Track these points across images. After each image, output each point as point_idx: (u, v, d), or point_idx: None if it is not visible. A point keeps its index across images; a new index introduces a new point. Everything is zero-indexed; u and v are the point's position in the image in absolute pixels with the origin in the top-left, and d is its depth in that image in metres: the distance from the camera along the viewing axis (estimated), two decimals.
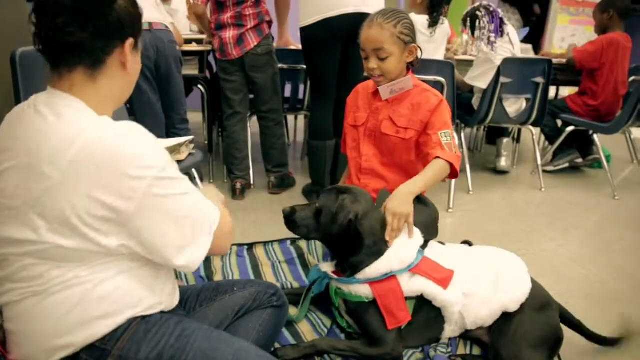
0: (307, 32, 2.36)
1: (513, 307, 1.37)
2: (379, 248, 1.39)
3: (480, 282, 1.41)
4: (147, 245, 0.86)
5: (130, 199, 0.81)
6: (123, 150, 0.81)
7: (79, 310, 0.84)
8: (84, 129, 0.81)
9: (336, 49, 2.38)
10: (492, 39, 2.87)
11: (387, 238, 1.39)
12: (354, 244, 1.39)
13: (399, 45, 1.59)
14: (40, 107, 0.86)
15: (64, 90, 0.87)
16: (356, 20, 2.22)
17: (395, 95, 1.69)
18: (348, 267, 1.40)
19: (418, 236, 1.44)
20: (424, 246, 1.47)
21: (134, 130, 0.85)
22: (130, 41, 0.91)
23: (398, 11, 1.61)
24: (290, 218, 1.45)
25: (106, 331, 0.86)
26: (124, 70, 0.93)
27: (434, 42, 2.81)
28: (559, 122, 3.48)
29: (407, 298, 1.37)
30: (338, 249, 1.45)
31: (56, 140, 0.80)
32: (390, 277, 1.36)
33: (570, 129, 3.29)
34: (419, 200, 1.51)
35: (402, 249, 1.39)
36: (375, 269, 1.36)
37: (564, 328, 1.42)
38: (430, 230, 1.49)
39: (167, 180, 0.85)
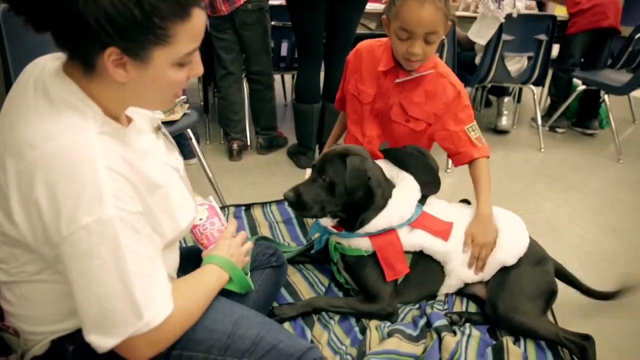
0: None
1: (511, 261, 1.39)
2: (385, 199, 1.38)
3: None
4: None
5: (55, 234, 0.69)
6: (74, 177, 0.68)
7: (69, 299, 0.75)
8: (52, 138, 0.69)
9: (321, 5, 2.29)
10: None
11: (470, 267, 1.40)
12: (366, 201, 1.37)
13: (446, 25, 1.38)
14: (40, 91, 0.74)
15: (72, 78, 0.75)
16: None
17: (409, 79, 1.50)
18: (359, 224, 1.38)
19: (416, 191, 1.43)
20: (423, 202, 1.47)
21: (103, 160, 0.70)
22: (111, 52, 0.69)
23: None
24: (297, 202, 1.33)
25: None
26: (116, 75, 0.73)
27: None
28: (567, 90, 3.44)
29: (405, 252, 1.38)
30: (349, 210, 1.39)
31: (28, 135, 0.70)
32: (389, 230, 1.37)
33: (581, 88, 3.21)
34: (420, 152, 1.48)
35: (401, 205, 1.38)
36: (375, 224, 1.36)
37: (560, 286, 1.43)
38: (430, 187, 1.47)
39: (107, 238, 0.69)
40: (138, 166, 0.77)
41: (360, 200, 1.36)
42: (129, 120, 0.88)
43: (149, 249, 0.76)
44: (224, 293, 0.99)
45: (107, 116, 0.77)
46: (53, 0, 0.65)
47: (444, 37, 1.42)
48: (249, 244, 1.10)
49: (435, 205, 1.49)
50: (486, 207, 1.46)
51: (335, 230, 1.43)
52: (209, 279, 0.96)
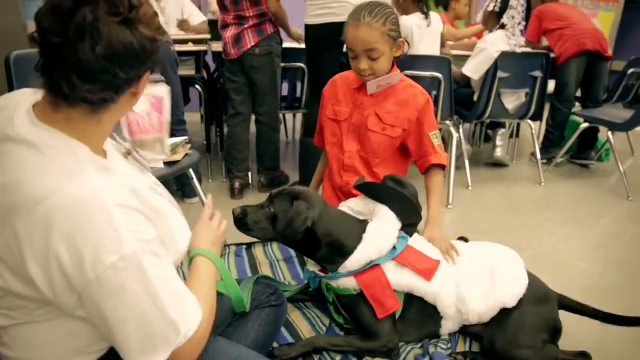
0: (312, 30, 2.40)
1: (511, 302, 1.37)
2: (340, 244, 1.38)
3: (476, 277, 1.41)
4: (105, 334, 0.77)
5: (80, 281, 0.70)
6: (89, 224, 0.69)
7: (73, 338, 0.78)
8: (56, 189, 0.70)
9: (338, 49, 2.42)
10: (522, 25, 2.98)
11: (450, 260, 1.47)
12: (312, 244, 1.39)
13: (389, 43, 1.57)
14: (23, 143, 0.73)
15: (55, 125, 0.75)
16: None
17: (381, 89, 1.67)
18: (322, 262, 1.41)
19: (393, 221, 1.42)
20: (412, 232, 1.47)
21: (112, 199, 0.72)
22: (148, 73, 0.80)
23: (383, 5, 1.58)
24: (241, 220, 1.39)
25: (102, 354, 0.83)
26: (134, 98, 0.83)
27: (430, 35, 2.81)
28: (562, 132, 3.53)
29: (395, 291, 1.36)
30: (297, 249, 1.47)
31: (29, 192, 0.70)
32: (373, 266, 1.35)
33: (584, 126, 3.24)
34: (396, 182, 1.47)
35: (377, 238, 1.37)
36: (355, 261, 1.35)
37: (565, 322, 1.41)
38: (409, 215, 1.45)
39: (133, 271, 0.72)
40: (142, 194, 0.81)
41: (301, 242, 1.38)
42: (105, 153, 0.89)
43: (170, 268, 0.81)
44: (222, 334, 0.99)
45: (94, 153, 0.79)
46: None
47: (398, 54, 1.63)
48: (225, 224, 1.14)
49: (426, 242, 1.49)
50: (438, 215, 1.66)
51: (321, 274, 1.43)
52: (206, 271, 0.99)
